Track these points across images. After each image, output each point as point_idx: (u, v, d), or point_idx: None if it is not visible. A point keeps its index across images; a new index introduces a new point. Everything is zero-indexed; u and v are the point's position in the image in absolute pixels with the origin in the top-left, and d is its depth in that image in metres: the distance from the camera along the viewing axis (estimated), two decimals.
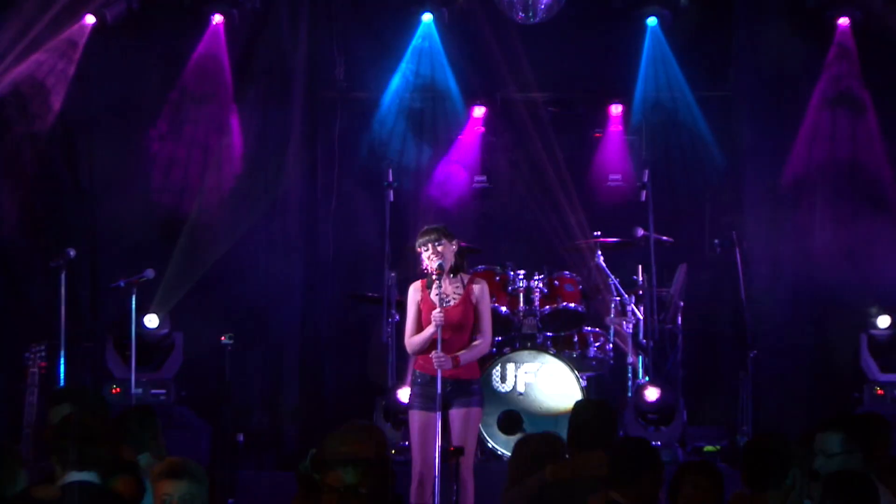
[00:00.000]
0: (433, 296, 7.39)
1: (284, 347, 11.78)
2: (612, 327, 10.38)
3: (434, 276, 7.38)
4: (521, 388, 9.72)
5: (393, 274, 10.21)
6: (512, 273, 10.32)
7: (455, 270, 7.49)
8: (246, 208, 11.51)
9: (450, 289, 7.43)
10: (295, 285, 11.83)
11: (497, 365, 9.84)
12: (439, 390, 7.24)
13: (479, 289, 7.47)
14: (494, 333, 9.39)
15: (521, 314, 10.24)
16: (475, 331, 7.46)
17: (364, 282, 11.52)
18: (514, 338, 10.26)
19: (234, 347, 10.14)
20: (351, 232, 11.89)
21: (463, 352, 7.36)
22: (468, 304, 7.45)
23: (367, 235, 11.61)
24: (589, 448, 5.93)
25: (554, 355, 9.87)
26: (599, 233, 10.62)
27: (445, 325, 7.30)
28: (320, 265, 11.95)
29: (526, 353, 9.91)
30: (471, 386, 7.46)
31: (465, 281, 7.52)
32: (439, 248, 7.35)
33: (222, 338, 10.07)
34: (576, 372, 9.78)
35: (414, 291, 7.56)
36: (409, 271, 8.89)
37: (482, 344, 7.48)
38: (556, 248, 11.23)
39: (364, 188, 11.87)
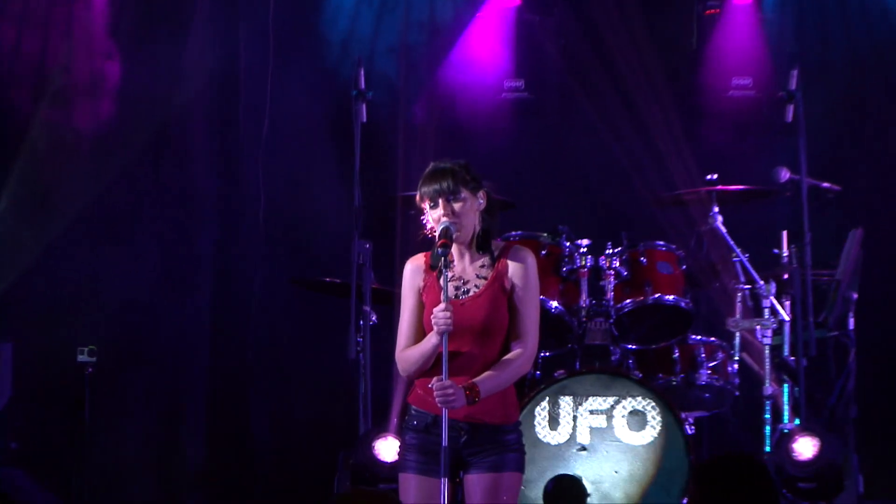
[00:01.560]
0: (443, 281, 6.95)
1: (184, 370, 11.57)
2: (737, 335, 10.25)
3: (439, 250, 6.95)
4: (583, 439, 9.77)
5: (368, 245, 9.88)
6: (568, 244, 10.05)
7: (483, 240, 7.12)
8: (119, 137, 11.22)
9: (469, 269, 7.11)
10: (202, 265, 11.64)
11: (544, 399, 9.63)
12: (445, 441, 6.77)
13: (520, 267, 7.13)
14: (541, 346, 9.10)
15: (585, 313, 10.08)
16: (511, 336, 7.07)
17: (318, 259, 11.41)
18: (573, 353, 10.09)
19: (98, 368, 9.95)
20: (295, 175, 11.70)
21: (486, 375, 6.92)
22: (499, 294, 7.05)
23: (321, 180, 11.52)
24: None
25: (639, 383, 9.69)
26: (716, 175, 10.37)
27: (460, 332, 6.89)
28: (243, 232, 11.73)
29: (592, 379, 9.74)
30: (502, 435, 7.03)
31: (497, 254, 7.12)
32: (456, 206, 7.02)
33: (79, 353, 9.90)
34: (677, 411, 9.55)
35: (412, 273, 7.15)
36: (399, 241, 8.56)
37: (520, 358, 7.01)
38: (642, 201, 11.14)
39: (317, 101, 11.69)
